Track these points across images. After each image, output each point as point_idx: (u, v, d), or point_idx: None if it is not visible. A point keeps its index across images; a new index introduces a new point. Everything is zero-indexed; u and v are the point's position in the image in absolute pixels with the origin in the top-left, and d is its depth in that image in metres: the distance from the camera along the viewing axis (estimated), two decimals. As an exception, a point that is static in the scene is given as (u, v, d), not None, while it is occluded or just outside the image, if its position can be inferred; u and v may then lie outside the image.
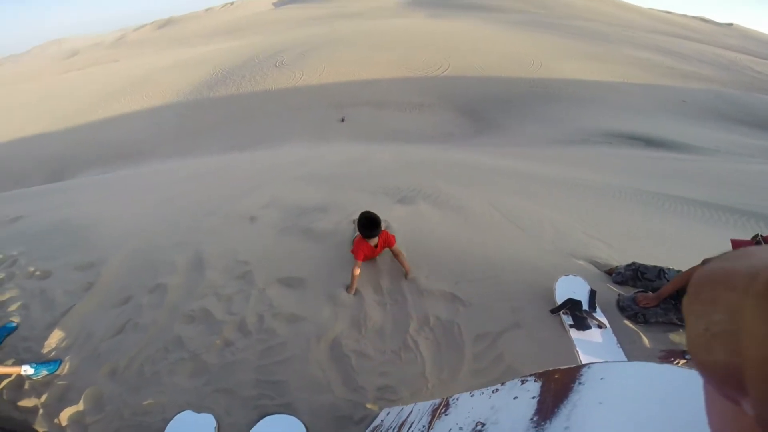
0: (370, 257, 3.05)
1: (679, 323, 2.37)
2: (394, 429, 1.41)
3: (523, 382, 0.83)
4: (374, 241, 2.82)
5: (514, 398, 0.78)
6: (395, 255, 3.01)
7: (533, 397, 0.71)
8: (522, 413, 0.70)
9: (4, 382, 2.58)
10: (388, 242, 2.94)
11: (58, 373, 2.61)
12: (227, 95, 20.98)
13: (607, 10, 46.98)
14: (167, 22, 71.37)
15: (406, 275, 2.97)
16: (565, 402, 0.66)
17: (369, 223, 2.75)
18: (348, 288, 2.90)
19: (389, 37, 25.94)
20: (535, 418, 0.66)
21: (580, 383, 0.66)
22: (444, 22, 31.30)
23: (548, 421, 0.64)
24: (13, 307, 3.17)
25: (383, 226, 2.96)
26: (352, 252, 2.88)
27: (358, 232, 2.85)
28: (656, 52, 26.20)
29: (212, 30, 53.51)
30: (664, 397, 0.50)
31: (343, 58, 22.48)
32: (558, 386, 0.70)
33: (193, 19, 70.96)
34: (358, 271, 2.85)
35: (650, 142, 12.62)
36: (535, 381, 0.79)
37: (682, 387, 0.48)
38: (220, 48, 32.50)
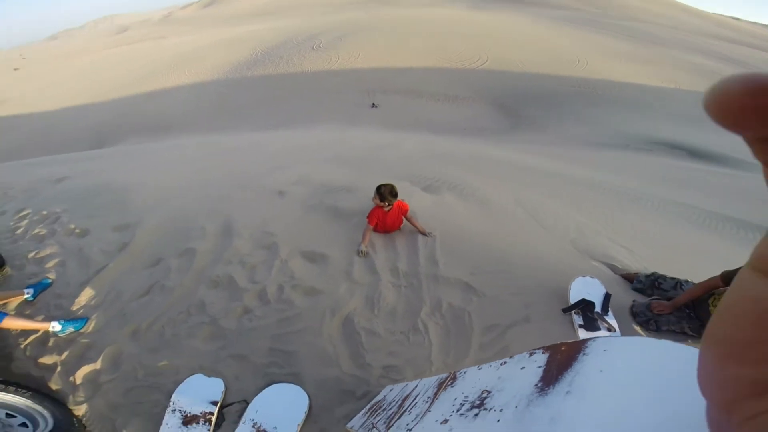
0: (382, 226, 3.22)
1: (691, 333, 2.34)
2: (397, 403, 1.41)
3: (531, 354, 0.85)
4: (388, 207, 3.08)
5: (522, 368, 0.81)
6: (409, 220, 3.27)
7: (539, 367, 0.74)
8: (528, 380, 0.73)
9: (30, 338, 2.59)
10: (402, 209, 3.22)
11: (82, 330, 2.66)
12: (265, 75, 21.36)
13: (665, 12, 43.88)
14: (212, 2, 73.03)
15: (422, 233, 3.27)
16: (569, 370, 0.68)
17: (386, 189, 3.03)
18: (359, 252, 3.12)
19: (427, 26, 25.44)
20: (539, 384, 0.69)
21: (584, 354, 0.68)
22: (486, 14, 30.27)
23: (552, 386, 0.67)
24: (50, 264, 3.33)
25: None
26: (367, 217, 3.18)
27: (375, 203, 3.09)
28: (714, 59, 24.31)
29: (254, 10, 54.31)
30: (660, 368, 0.52)
31: (379, 44, 22.31)
32: (563, 357, 0.72)
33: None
34: (369, 233, 3.17)
35: (694, 153, 11.84)
36: (543, 353, 0.81)
37: (679, 359, 0.51)
38: (261, 28, 33.00)
